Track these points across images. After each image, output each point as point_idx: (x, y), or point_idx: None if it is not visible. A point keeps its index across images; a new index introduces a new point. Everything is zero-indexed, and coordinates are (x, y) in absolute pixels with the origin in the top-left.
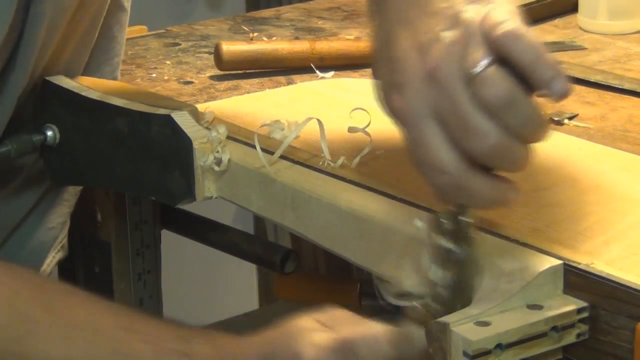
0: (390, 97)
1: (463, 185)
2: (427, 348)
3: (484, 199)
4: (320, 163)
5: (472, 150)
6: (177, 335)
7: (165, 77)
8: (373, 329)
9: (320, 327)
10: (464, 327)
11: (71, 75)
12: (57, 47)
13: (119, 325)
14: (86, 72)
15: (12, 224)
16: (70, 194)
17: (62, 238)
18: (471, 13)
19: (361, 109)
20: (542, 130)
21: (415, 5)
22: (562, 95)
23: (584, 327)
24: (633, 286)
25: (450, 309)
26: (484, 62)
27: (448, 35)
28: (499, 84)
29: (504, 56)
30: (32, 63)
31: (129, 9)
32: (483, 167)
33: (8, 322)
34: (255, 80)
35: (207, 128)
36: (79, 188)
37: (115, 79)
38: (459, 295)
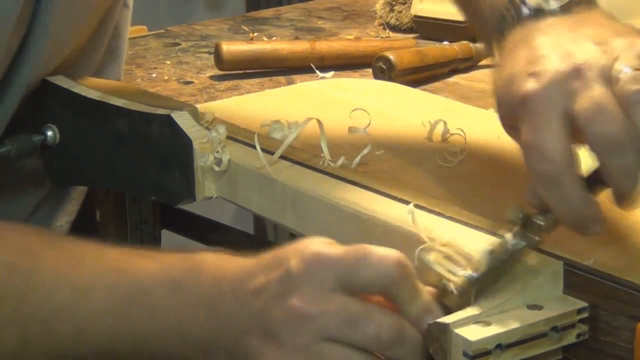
0: (524, 82)
1: (560, 181)
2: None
3: (571, 208)
4: (320, 163)
5: (592, 136)
6: (183, 255)
7: (165, 77)
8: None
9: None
10: (464, 327)
11: (80, 75)
12: (71, 46)
13: (123, 252)
14: (93, 72)
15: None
16: (78, 192)
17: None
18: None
19: (361, 109)
20: None
21: (566, 27)
22: None
23: (584, 328)
24: (633, 286)
25: (465, 296)
26: (628, 68)
27: (596, 46)
28: None
29: None
30: (42, 61)
31: (131, 7)
32: (588, 183)
33: (15, 259)
34: (255, 80)
35: (207, 128)
36: (83, 189)
37: (118, 79)
38: (480, 287)
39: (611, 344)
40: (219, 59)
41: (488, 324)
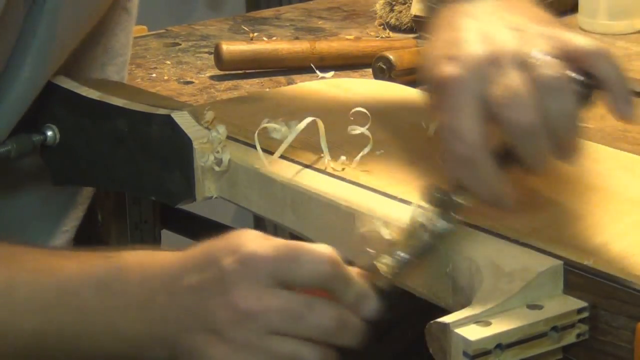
0: (442, 65)
1: (473, 159)
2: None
3: (485, 186)
4: (320, 163)
5: (506, 121)
6: (104, 254)
7: (165, 77)
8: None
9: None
10: (464, 327)
11: (78, 75)
12: (74, 47)
13: (43, 252)
14: (91, 73)
15: (19, 226)
16: (84, 197)
17: (71, 240)
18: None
19: (361, 109)
20: (573, 141)
21: (488, 11)
22: (627, 118)
23: (584, 327)
24: (633, 286)
25: (396, 277)
26: (542, 55)
27: (514, 32)
28: (555, 68)
29: (583, 67)
30: (45, 62)
31: (130, 9)
32: (499, 160)
33: None
34: (255, 80)
35: (207, 128)
36: (91, 191)
37: (122, 79)
38: (410, 268)
39: (611, 344)
40: (219, 59)
41: (488, 324)
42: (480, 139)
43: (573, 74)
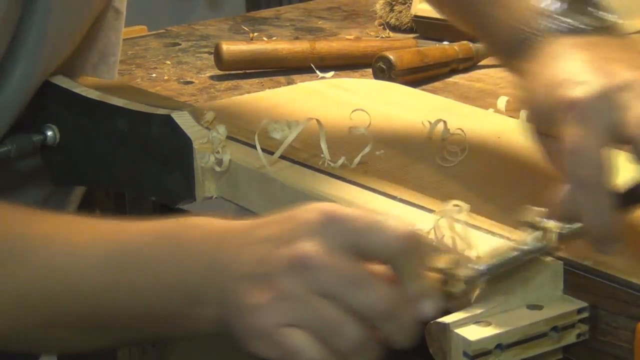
0: (572, 88)
1: (600, 188)
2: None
3: (602, 218)
4: (320, 163)
5: (636, 140)
6: (182, 217)
7: (165, 77)
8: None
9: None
10: (464, 327)
11: (71, 76)
12: (69, 48)
13: (116, 220)
14: (83, 73)
15: None
16: (76, 195)
17: None
18: None
19: (361, 109)
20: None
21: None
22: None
23: (584, 327)
24: (633, 286)
25: (467, 292)
26: None
27: (634, 71)
28: None
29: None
30: (38, 62)
31: (120, 8)
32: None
33: (7, 229)
34: (255, 80)
35: (207, 128)
36: (82, 189)
37: (112, 78)
38: (486, 283)
39: (611, 344)
40: (219, 59)
41: (488, 324)
42: (602, 169)
43: None
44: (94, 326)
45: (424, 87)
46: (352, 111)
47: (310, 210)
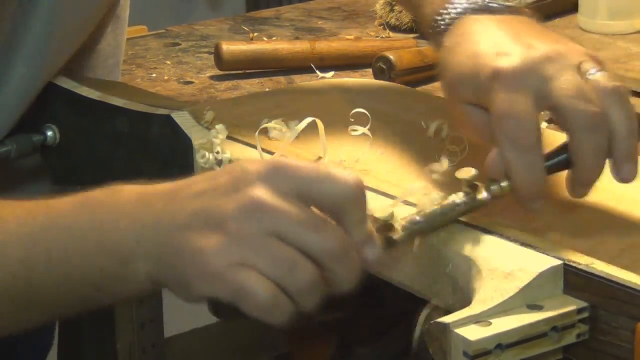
0: (495, 59)
1: (532, 150)
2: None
3: (532, 177)
4: (320, 163)
5: (573, 112)
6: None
7: (165, 77)
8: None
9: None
10: (464, 327)
11: (70, 77)
12: (72, 49)
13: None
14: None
15: None
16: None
17: None
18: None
19: (361, 109)
20: (632, 152)
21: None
22: (625, 180)
23: (584, 327)
24: (633, 286)
25: (407, 236)
26: (595, 69)
27: (555, 44)
28: (611, 79)
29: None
30: (39, 62)
31: (120, 13)
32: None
33: None
34: (255, 80)
35: (207, 128)
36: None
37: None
38: (421, 232)
39: (611, 344)
40: (219, 59)
41: (488, 324)
42: (537, 127)
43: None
44: (22, 300)
45: (424, 87)
46: (352, 111)
47: (254, 162)
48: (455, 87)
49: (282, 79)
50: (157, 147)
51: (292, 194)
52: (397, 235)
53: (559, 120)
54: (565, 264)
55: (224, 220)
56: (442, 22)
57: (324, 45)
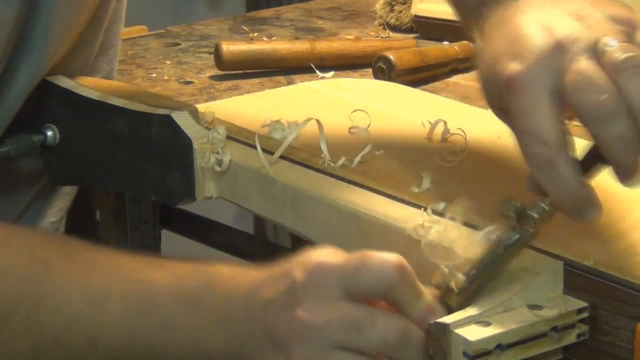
0: (507, 64)
1: (555, 162)
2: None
3: (567, 189)
4: (320, 163)
5: (584, 107)
6: (197, 266)
7: (165, 77)
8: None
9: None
10: (464, 327)
11: (75, 70)
12: (69, 44)
13: (138, 260)
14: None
15: (11, 220)
16: (70, 187)
17: (61, 232)
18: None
19: (361, 109)
20: None
21: (542, 3)
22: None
23: (584, 328)
24: (633, 286)
25: (465, 294)
26: (614, 41)
27: (577, 21)
28: (627, 49)
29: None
30: (42, 60)
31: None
32: (584, 165)
33: (27, 268)
34: (255, 80)
35: (207, 128)
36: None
37: (112, 70)
38: (479, 284)
39: (611, 344)
40: (219, 59)
41: (488, 324)
42: (560, 137)
43: None
44: None
45: (424, 87)
46: (352, 111)
47: (298, 268)
48: (484, 93)
49: (282, 79)
50: (157, 147)
51: (339, 296)
52: (455, 301)
53: (577, 117)
54: (565, 264)
55: (286, 342)
56: (479, 11)
57: (324, 45)
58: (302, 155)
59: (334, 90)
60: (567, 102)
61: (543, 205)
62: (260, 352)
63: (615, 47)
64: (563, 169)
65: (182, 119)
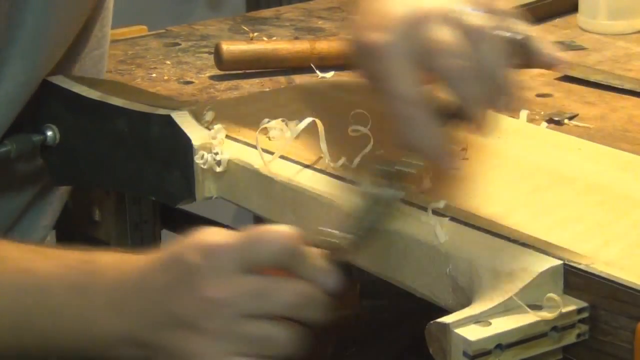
0: (367, 33)
1: (414, 116)
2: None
3: (428, 141)
4: (320, 163)
5: (442, 70)
6: (83, 255)
7: (165, 77)
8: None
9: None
10: (464, 327)
11: (69, 68)
12: (65, 45)
13: (25, 250)
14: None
15: (9, 223)
16: (64, 190)
17: (49, 235)
18: None
19: (361, 110)
20: (509, 88)
21: None
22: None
23: (584, 327)
24: (633, 286)
25: (353, 250)
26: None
27: None
28: (483, 19)
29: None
30: (33, 60)
31: (108, 4)
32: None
33: None
34: (255, 80)
35: (207, 128)
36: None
37: (100, 71)
38: (365, 240)
39: (611, 344)
40: (219, 59)
41: (488, 324)
42: (418, 95)
43: (503, 29)
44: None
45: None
46: (352, 111)
47: (190, 252)
48: (353, 61)
49: (282, 79)
50: (157, 147)
51: (238, 269)
52: (342, 255)
53: (440, 79)
54: (565, 264)
55: (194, 321)
56: None
57: (324, 45)
58: (302, 155)
59: (334, 90)
60: (428, 66)
61: (410, 160)
62: (166, 334)
63: (472, 15)
64: (422, 123)
65: (182, 119)
